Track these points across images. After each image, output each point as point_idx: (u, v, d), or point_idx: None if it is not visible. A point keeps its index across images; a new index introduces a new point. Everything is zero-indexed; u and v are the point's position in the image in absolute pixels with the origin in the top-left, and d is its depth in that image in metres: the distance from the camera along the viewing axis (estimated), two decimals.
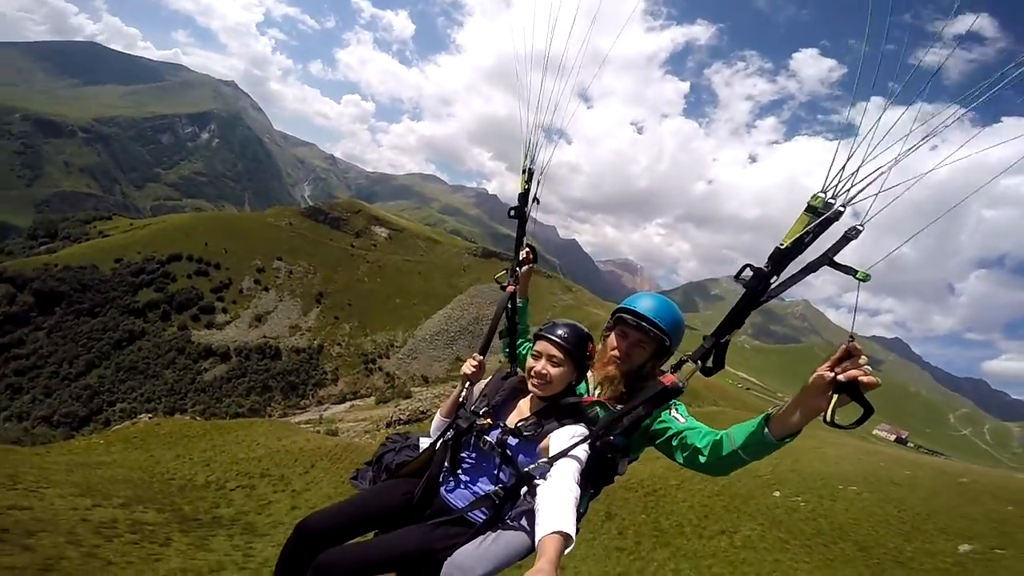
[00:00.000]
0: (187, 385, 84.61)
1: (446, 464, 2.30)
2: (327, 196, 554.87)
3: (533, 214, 2.99)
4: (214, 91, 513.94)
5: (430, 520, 2.17)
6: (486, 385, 2.53)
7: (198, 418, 36.94)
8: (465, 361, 2.64)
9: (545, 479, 1.96)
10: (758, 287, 1.98)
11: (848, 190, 1.77)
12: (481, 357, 2.64)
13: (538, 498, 1.89)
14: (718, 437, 2.04)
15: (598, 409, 2.33)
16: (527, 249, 3.02)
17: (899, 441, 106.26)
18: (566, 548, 1.70)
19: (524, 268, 3.01)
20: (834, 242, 1.84)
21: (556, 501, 1.83)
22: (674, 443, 2.17)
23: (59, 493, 13.09)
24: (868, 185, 1.77)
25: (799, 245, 1.92)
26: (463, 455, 2.31)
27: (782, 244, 1.94)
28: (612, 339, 2.49)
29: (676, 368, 2.18)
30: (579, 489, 1.94)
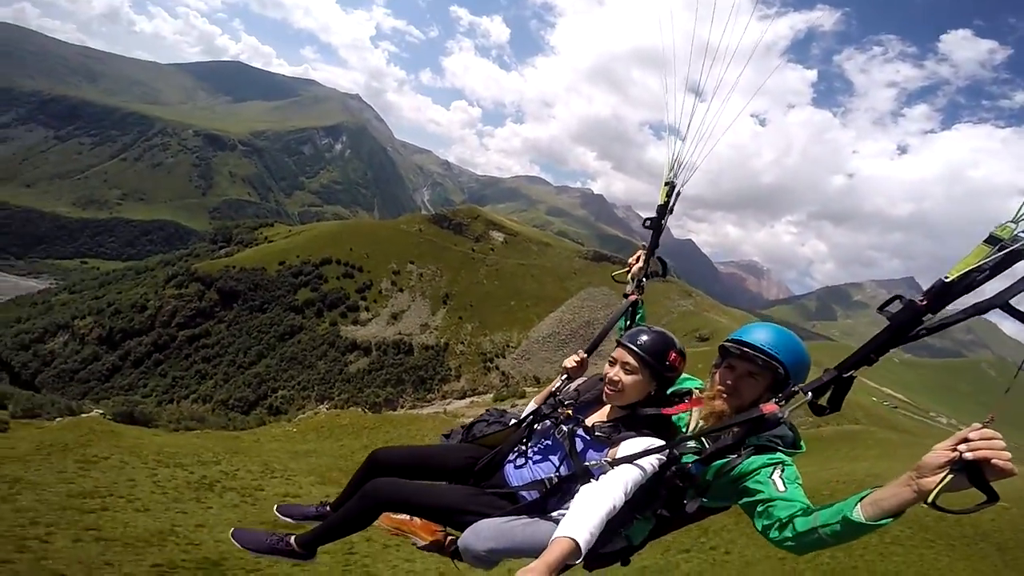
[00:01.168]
0: (335, 375, 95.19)
1: (520, 444, 2.40)
2: (444, 200, 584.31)
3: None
4: (342, 104, 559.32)
5: (485, 488, 2.27)
6: (583, 383, 2.58)
7: (367, 411, 42.05)
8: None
9: (597, 480, 1.95)
10: (906, 323, 1.72)
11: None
12: (585, 355, 2.71)
13: (576, 496, 1.89)
14: (804, 511, 1.81)
15: (693, 441, 2.14)
16: (659, 260, 3.10)
17: None
18: (573, 556, 1.64)
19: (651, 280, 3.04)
20: (1015, 282, 1.53)
21: (587, 506, 1.79)
22: (759, 508, 1.94)
23: (308, 481, 16.02)
24: None
25: (968, 281, 1.62)
26: (537, 439, 2.38)
27: (947, 277, 1.65)
28: (719, 374, 2.28)
29: (785, 399, 1.99)
30: (623, 500, 1.88)
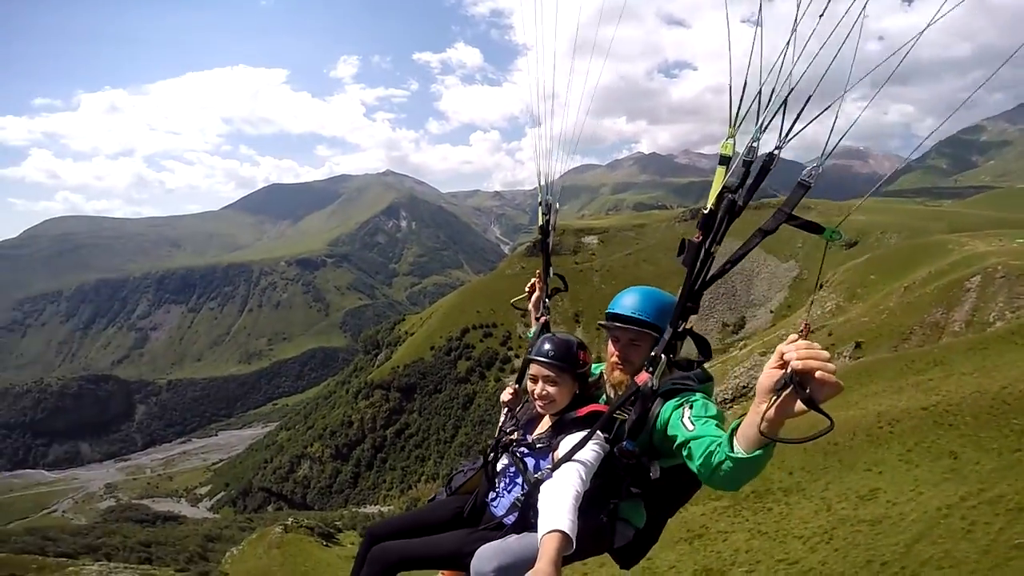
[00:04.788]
0: None
1: (492, 482, 2.52)
2: (513, 227, 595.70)
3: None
4: (383, 184, 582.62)
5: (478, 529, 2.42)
6: (520, 407, 2.77)
7: None
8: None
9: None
10: (696, 260, 1.86)
11: (767, 126, 1.61)
12: (517, 385, 2.91)
13: (540, 500, 1.99)
14: (715, 446, 1.74)
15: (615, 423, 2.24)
16: (558, 276, 3.22)
17: None
18: (565, 544, 1.72)
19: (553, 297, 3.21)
20: (788, 195, 1.60)
21: (552, 500, 1.91)
22: (684, 453, 1.95)
23: None
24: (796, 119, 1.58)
25: (728, 203, 1.76)
26: (503, 472, 2.51)
27: (706, 208, 1.78)
28: (609, 348, 2.48)
29: (652, 365, 2.14)
30: (581, 484, 1.98)
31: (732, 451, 1.60)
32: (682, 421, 1.99)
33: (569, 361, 2.40)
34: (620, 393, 2.32)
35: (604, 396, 2.55)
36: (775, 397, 1.38)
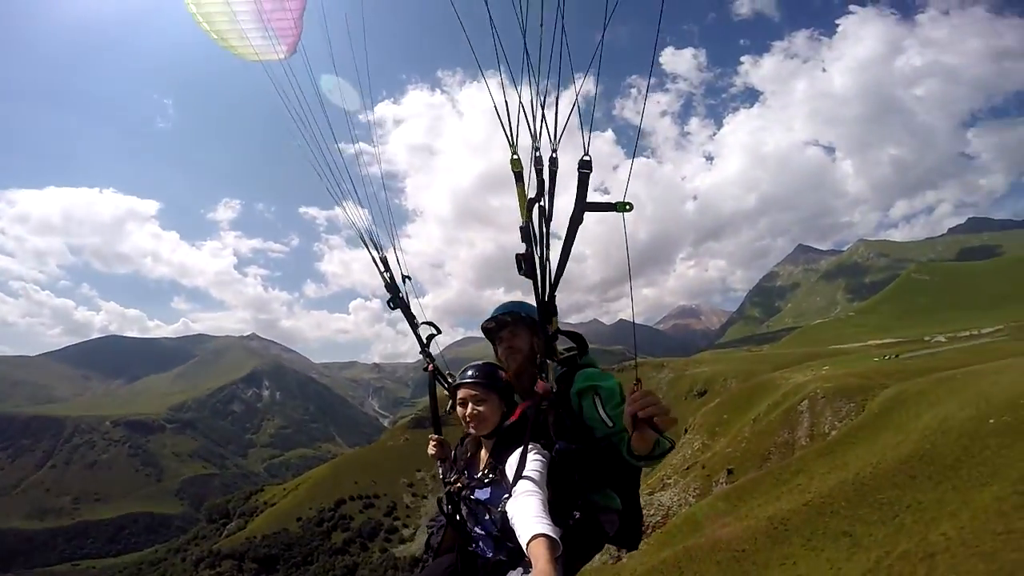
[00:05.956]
0: None
1: (464, 534, 2.46)
2: (393, 401, 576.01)
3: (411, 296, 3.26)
4: (245, 349, 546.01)
5: None
6: (452, 453, 2.80)
7: None
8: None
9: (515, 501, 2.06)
10: (533, 267, 2.12)
11: (544, 134, 1.86)
12: (439, 436, 2.93)
13: (511, 521, 1.99)
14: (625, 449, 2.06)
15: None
16: (426, 326, 3.25)
17: None
18: (553, 547, 1.73)
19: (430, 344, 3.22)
20: (577, 188, 1.81)
21: (521, 514, 1.92)
22: (612, 441, 2.25)
23: None
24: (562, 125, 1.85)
25: (540, 211, 2.04)
26: (469, 520, 2.45)
27: (521, 224, 2.03)
28: (500, 350, 2.82)
29: (543, 372, 2.42)
30: (543, 492, 2.04)
31: (633, 459, 2.04)
32: (599, 414, 2.30)
33: (492, 379, 2.55)
34: (521, 382, 2.68)
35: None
36: (635, 430, 1.85)
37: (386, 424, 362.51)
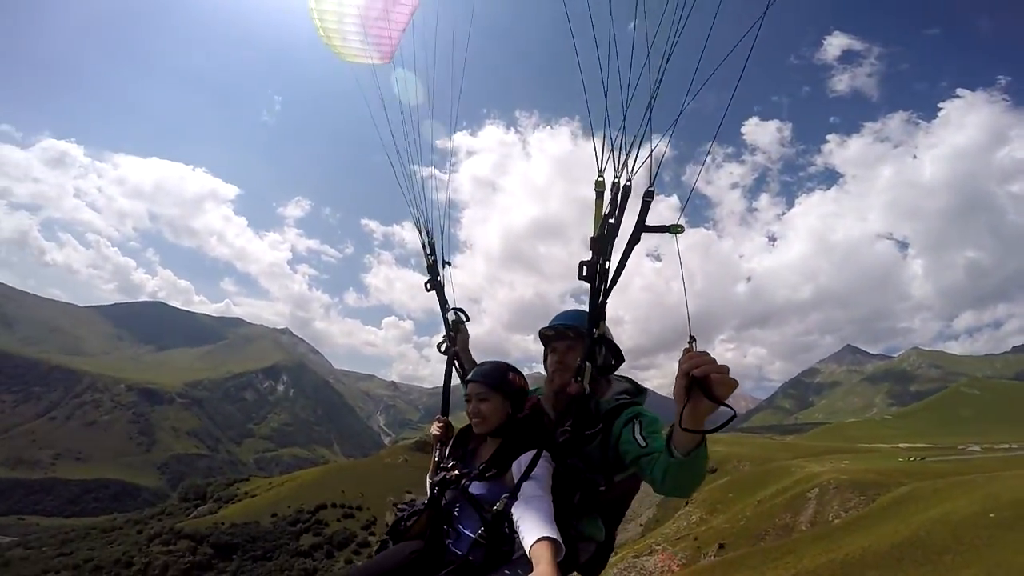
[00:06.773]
0: None
1: (443, 522, 2.40)
2: (400, 421, 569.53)
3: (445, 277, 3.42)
4: (274, 342, 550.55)
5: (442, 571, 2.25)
6: (455, 439, 2.74)
7: None
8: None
9: (516, 507, 2.05)
10: (594, 274, 2.32)
11: (626, 164, 2.21)
12: (445, 418, 2.94)
13: (516, 516, 2.00)
14: (662, 458, 1.97)
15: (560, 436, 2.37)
16: (453, 312, 3.34)
17: None
18: (558, 552, 1.74)
19: (460, 330, 3.30)
20: (639, 212, 2.10)
21: (532, 514, 1.93)
22: (641, 464, 2.16)
23: None
24: (639, 155, 2.16)
25: (610, 228, 2.29)
26: (453, 509, 2.39)
27: (593, 234, 2.25)
28: (550, 359, 2.72)
29: (578, 374, 2.40)
30: (547, 497, 2.07)
31: (672, 456, 1.86)
32: (634, 436, 2.24)
33: (498, 380, 2.50)
34: (556, 404, 2.61)
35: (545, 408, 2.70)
36: (687, 400, 1.65)
37: (386, 442, 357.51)
